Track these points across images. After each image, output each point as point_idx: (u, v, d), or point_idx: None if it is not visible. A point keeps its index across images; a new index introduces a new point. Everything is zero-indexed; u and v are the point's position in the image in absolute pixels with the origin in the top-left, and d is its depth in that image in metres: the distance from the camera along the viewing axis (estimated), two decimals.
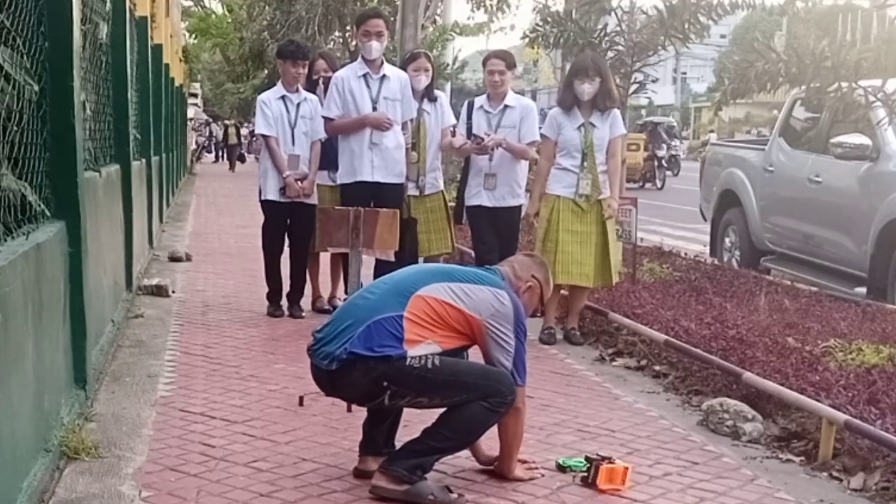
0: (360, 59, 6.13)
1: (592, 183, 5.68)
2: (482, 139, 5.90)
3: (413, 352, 3.11)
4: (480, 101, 6.17)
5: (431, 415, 3.33)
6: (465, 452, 3.55)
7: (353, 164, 5.94)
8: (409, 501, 3.13)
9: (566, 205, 5.72)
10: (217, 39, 32.48)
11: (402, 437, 3.40)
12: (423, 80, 6.20)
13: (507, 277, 3.38)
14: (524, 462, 3.50)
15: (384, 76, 5.98)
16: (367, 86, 5.95)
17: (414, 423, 3.52)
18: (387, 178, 5.95)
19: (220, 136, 34.20)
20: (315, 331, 3.34)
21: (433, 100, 6.32)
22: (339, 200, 6.06)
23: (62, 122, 3.74)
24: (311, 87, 6.53)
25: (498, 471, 3.43)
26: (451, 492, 3.20)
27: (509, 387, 3.20)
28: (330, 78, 6.46)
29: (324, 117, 6.09)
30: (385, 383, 3.12)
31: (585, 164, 5.69)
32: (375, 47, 5.94)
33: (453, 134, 6.43)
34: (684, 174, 25.71)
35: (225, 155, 32.19)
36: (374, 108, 5.92)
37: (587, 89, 5.67)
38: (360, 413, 3.55)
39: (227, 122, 33.36)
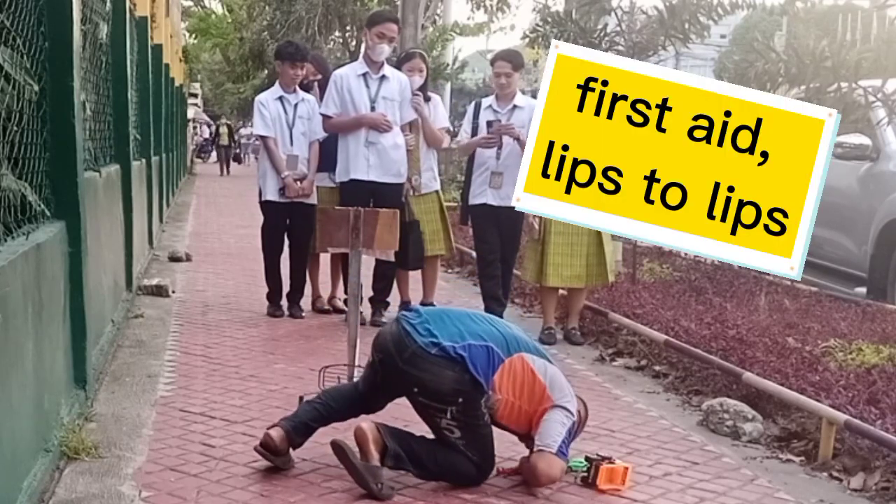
0: (361, 58, 6.13)
1: None
2: (499, 121, 5.89)
3: (490, 400, 3.26)
4: (489, 101, 6.16)
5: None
6: None
7: (348, 162, 5.95)
8: (361, 476, 3.19)
9: None
10: (217, 39, 32.43)
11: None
12: (417, 81, 6.20)
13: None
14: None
15: (384, 77, 5.98)
16: (366, 85, 5.95)
17: (414, 423, 3.53)
18: (384, 177, 5.94)
19: (211, 136, 32.48)
20: (418, 307, 3.49)
21: (427, 100, 6.32)
22: (339, 202, 6.05)
23: (62, 122, 3.74)
24: (303, 90, 6.55)
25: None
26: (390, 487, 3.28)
27: (485, 473, 3.36)
28: (318, 81, 6.48)
29: (322, 115, 6.09)
30: (461, 399, 3.24)
31: None
32: (386, 50, 5.96)
33: (454, 135, 6.42)
34: None
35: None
36: (373, 108, 5.92)
37: None
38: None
39: (217, 121, 31.63)
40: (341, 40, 26.86)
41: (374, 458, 3.21)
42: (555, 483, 3.33)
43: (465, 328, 3.34)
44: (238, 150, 31.39)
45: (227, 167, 27.42)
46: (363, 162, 5.91)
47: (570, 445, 3.34)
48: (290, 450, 3.42)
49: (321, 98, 6.30)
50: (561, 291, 6.06)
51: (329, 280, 6.73)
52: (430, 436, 3.38)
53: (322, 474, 3.41)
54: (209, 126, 36.65)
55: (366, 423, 3.29)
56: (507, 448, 3.33)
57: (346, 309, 6.41)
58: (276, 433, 3.37)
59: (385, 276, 6.17)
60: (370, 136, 5.90)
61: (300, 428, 3.41)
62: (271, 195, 6.28)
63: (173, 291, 6.99)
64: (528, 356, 3.37)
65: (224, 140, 28.45)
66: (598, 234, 5.73)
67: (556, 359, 5.40)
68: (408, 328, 3.32)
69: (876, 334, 5.33)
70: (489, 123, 5.95)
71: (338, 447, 3.27)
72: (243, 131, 34.08)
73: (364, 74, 5.96)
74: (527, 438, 3.43)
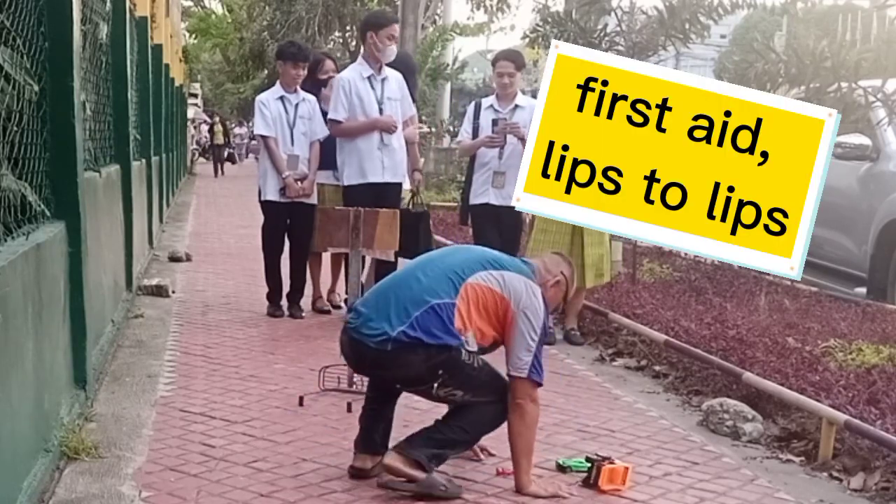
0: (361, 59, 6.11)
1: None
2: (504, 118, 5.90)
3: (467, 345, 3.17)
4: (489, 101, 6.16)
5: (430, 415, 3.33)
6: (466, 453, 3.58)
7: (362, 165, 5.92)
8: (422, 492, 3.16)
9: None
10: (217, 39, 32.42)
11: (399, 436, 3.40)
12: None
13: (537, 271, 3.40)
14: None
15: (385, 77, 5.99)
16: (372, 87, 5.96)
17: (414, 423, 3.53)
18: (394, 177, 6.01)
19: (206, 136, 30.31)
20: (357, 304, 3.37)
21: None
22: (342, 200, 6.04)
23: (62, 122, 3.74)
24: (317, 87, 6.54)
25: (516, 486, 3.32)
26: (457, 485, 3.27)
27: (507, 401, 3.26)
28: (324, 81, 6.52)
29: (331, 119, 6.03)
30: (440, 371, 3.17)
31: None
32: (394, 51, 6.01)
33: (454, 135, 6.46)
34: None
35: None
36: (381, 110, 5.94)
37: None
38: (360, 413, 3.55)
39: (212, 119, 29.84)
40: (341, 40, 26.86)
41: (418, 475, 3.17)
42: (531, 409, 3.23)
43: (406, 298, 3.20)
44: (232, 150, 30.10)
45: (221, 168, 25.71)
46: (379, 164, 5.93)
47: (541, 353, 3.23)
48: (379, 457, 3.34)
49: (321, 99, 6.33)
50: None
51: (329, 280, 6.74)
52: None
53: (322, 474, 3.41)
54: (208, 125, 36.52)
55: (388, 454, 3.23)
56: (506, 448, 3.32)
57: (343, 306, 6.50)
58: (358, 462, 3.36)
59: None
60: (384, 139, 5.93)
61: (372, 439, 3.39)
62: (272, 195, 6.28)
63: (173, 291, 6.99)
64: (475, 278, 3.23)
65: (219, 139, 26.76)
66: (582, 236, 5.71)
67: (555, 359, 5.45)
68: (355, 336, 3.24)
69: (876, 334, 5.33)
70: (494, 122, 5.96)
71: (389, 489, 3.23)
72: (237, 130, 33.59)
73: (369, 77, 5.97)
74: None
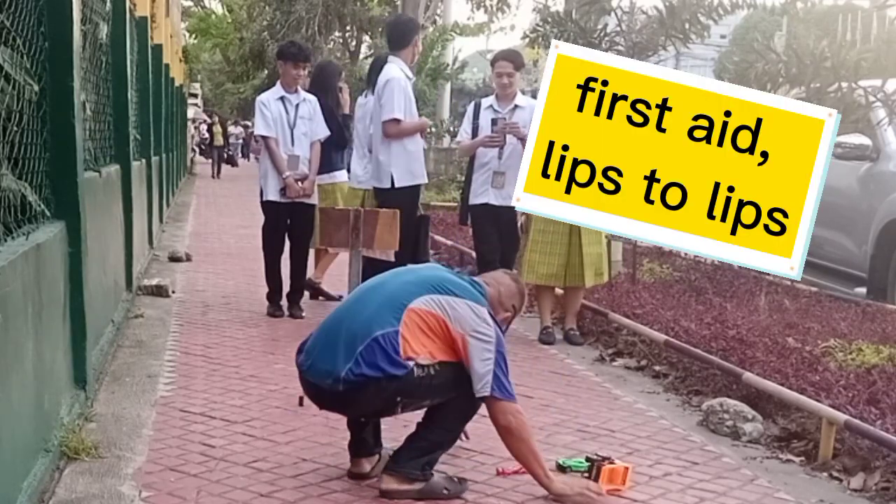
0: (402, 64, 6.07)
1: None
2: (504, 118, 5.91)
3: (416, 364, 3.10)
4: (489, 101, 6.16)
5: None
6: (466, 453, 3.59)
7: (412, 166, 6.00)
8: (425, 499, 3.16)
9: None
10: (217, 40, 32.43)
11: (399, 437, 3.40)
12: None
13: (491, 299, 3.36)
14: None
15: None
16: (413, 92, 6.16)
17: (414, 419, 3.53)
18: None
19: (206, 136, 29.65)
20: (304, 345, 3.33)
21: None
22: (388, 203, 5.92)
23: (62, 122, 3.74)
24: (317, 90, 6.65)
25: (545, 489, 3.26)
26: (457, 481, 3.28)
27: (476, 392, 3.17)
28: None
29: (394, 119, 5.89)
30: (398, 398, 3.14)
31: None
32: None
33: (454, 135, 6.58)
34: None
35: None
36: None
37: None
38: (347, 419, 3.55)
39: (209, 119, 29.47)
40: (341, 40, 26.85)
41: (416, 487, 3.18)
42: (517, 425, 3.15)
43: (353, 330, 3.14)
44: (230, 152, 29.65)
45: (219, 169, 25.51)
46: (424, 167, 6.16)
47: (506, 371, 3.17)
48: (376, 456, 3.38)
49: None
50: (558, 291, 6.06)
51: (336, 276, 6.87)
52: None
53: (322, 474, 3.41)
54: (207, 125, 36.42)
55: (383, 479, 3.22)
56: (505, 449, 3.32)
57: (321, 290, 6.86)
58: (356, 467, 3.37)
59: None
60: (424, 143, 6.18)
61: (364, 441, 3.39)
62: (272, 195, 6.28)
63: (173, 291, 6.99)
64: (417, 303, 3.15)
65: (218, 140, 26.48)
66: (580, 236, 5.71)
67: (555, 359, 5.45)
68: (309, 379, 3.23)
69: (876, 334, 5.33)
70: (493, 121, 5.96)
71: (390, 497, 3.22)
72: (232, 129, 33.28)
73: (412, 81, 6.16)
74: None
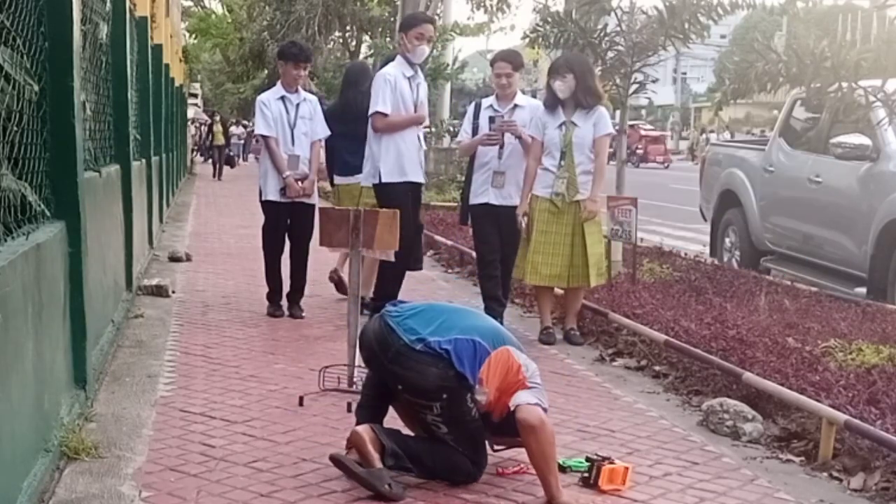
0: (400, 59, 6.00)
1: (569, 182, 5.65)
2: (501, 116, 5.91)
3: (478, 394, 3.22)
4: (489, 101, 6.16)
5: None
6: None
7: (401, 162, 5.89)
8: (368, 482, 3.17)
9: (543, 205, 5.72)
10: (217, 39, 32.40)
11: None
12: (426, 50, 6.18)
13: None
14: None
15: (419, 82, 6.06)
16: (410, 88, 5.97)
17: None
18: (423, 177, 6.13)
19: (204, 135, 29.00)
20: (399, 301, 3.50)
21: None
22: (378, 200, 5.91)
23: (62, 122, 3.74)
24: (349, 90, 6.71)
25: (548, 499, 3.28)
26: (403, 487, 3.26)
27: (480, 468, 3.37)
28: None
29: (378, 112, 5.85)
30: (444, 396, 3.21)
31: (563, 163, 5.68)
32: (426, 51, 6.02)
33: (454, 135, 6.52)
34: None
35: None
36: (415, 111, 5.98)
37: (560, 86, 5.68)
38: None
39: (209, 119, 28.71)
40: (341, 40, 26.85)
41: (374, 458, 3.19)
42: (542, 428, 3.19)
43: (449, 321, 3.31)
44: (231, 152, 28.63)
45: (220, 170, 24.63)
46: (417, 164, 6.00)
47: (544, 398, 3.32)
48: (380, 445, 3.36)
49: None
50: (558, 291, 6.06)
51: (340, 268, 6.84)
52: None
53: (322, 474, 3.41)
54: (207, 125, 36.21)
55: (361, 426, 3.28)
56: (526, 449, 3.30)
57: (345, 283, 6.63)
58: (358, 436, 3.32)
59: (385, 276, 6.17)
60: (420, 139, 6.02)
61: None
62: (272, 195, 6.29)
63: (173, 291, 6.99)
64: (514, 350, 3.35)
65: (219, 140, 25.36)
66: (584, 236, 5.71)
67: (555, 359, 5.45)
68: (391, 325, 3.30)
69: (876, 334, 5.32)
70: (491, 119, 5.97)
71: (337, 461, 3.26)
72: (234, 130, 33.08)
73: (410, 77, 5.97)
74: (501, 433, 3.41)
